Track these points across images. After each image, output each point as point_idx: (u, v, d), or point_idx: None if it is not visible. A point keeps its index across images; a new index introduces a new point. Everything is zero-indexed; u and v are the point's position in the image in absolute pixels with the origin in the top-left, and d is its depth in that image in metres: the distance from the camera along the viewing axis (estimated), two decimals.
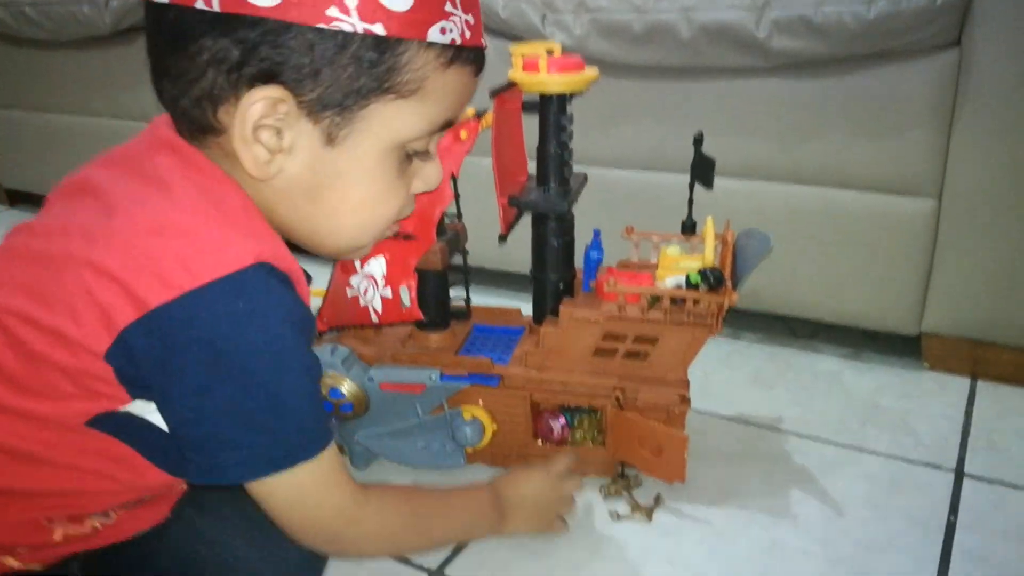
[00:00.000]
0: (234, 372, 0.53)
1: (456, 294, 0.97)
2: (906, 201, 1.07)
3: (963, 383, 1.11)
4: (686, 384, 0.86)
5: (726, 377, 1.14)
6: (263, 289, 0.53)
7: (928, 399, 1.08)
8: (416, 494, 0.74)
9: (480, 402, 0.91)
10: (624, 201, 1.20)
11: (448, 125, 0.60)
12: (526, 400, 0.90)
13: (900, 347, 1.17)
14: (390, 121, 0.55)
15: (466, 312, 0.99)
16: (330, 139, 0.55)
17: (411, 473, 0.94)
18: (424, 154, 0.60)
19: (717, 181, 0.91)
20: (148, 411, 0.57)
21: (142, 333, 0.52)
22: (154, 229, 0.53)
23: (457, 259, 0.93)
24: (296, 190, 0.57)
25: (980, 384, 1.11)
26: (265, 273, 0.54)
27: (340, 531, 0.63)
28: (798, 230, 1.12)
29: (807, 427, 1.02)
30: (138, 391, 0.55)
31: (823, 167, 1.10)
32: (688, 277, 0.79)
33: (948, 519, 0.86)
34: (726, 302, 0.78)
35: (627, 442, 0.87)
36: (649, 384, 0.86)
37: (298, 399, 0.56)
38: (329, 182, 0.57)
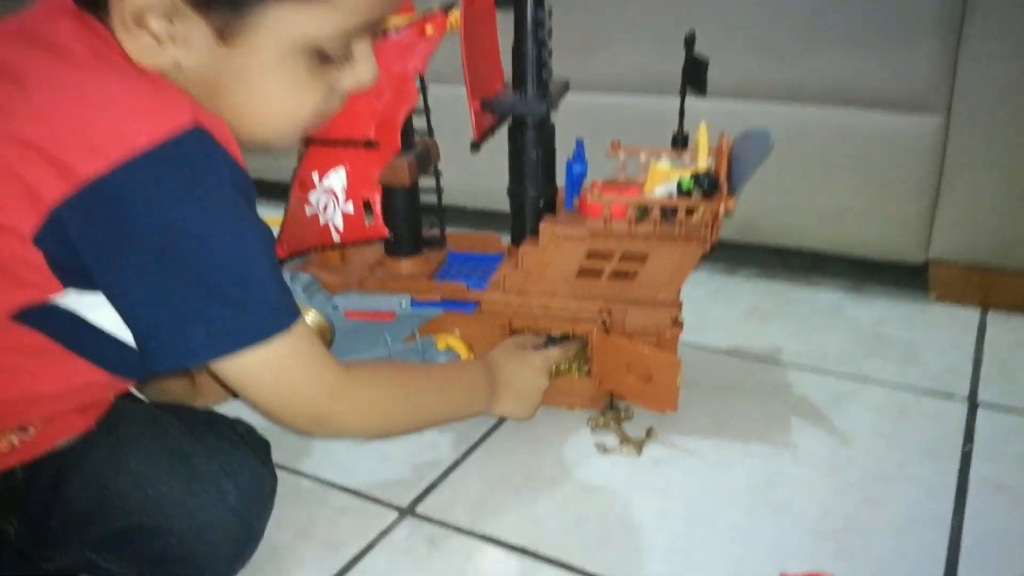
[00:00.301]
0: (192, 243, 0.49)
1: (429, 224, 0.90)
2: (912, 118, 1.00)
3: (972, 314, 1.05)
4: (678, 306, 0.79)
5: (720, 311, 1.08)
6: (206, 153, 0.50)
7: (936, 330, 1.01)
8: (406, 368, 0.74)
9: (456, 331, 0.84)
10: (609, 128, 1.12)
11: (371, 28, 0.55)
12: (505, 327, 0.83)
13: (904, 279, 1.11)
14: (291, 23, 0.51)
15: (440, 239, 0.92)
16: (222, 36, 0.51)
17: None
18: (346, 56, 0.55)
19: (709, 101, 0.83)
20: (82, 304, 0.52)
21: (77, 210, 0.47)
22: (76, 96, 0.48)
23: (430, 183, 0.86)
24: (197, 87, 0.52)
25: (991, 315, 1.04)
26: (205, 136, 0.49)
27: (327, 409, 0.60)
28: (797, 153, 1.05)
29: (807, 359, 0.95)
30: (71, 278, 0.50)
31: (823, 83, 1.02)
32: (680, 183, 0.72)
33: (963, 448, 0.79)
34: (722, 208, 0.71)
35: (614, 370, 0.81)
36: (638, 306, 0.79)
37: (261, 267, 0.53)
38: (229, 81, 0.53)
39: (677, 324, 0.80)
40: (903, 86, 0.99)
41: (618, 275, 0.80)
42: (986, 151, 0.97)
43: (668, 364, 0.76)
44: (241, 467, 0.63)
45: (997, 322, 1.02)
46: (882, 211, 1.04)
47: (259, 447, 0.68)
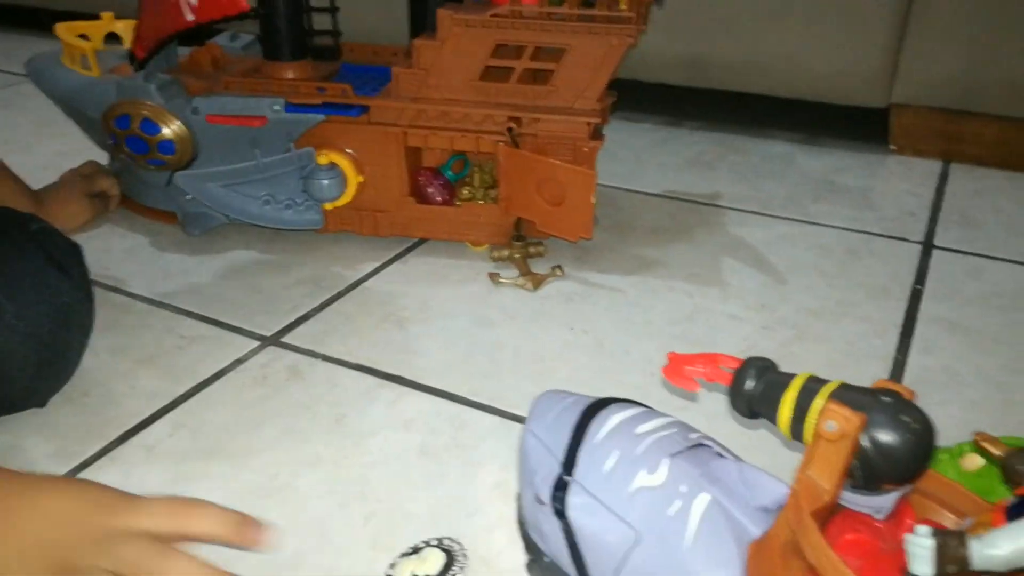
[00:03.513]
0: None
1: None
2: None
3: (934, 165, 0.95)
4: (599, 113, 0.68)
5: (662, 158, 0.96)
6: None
7: (894, 178, 0.92)
8: None
9: (348, 150, 0.72)
10: None
11: None
12: (399, 142, 0.71)
13: (863, 130, 1.00)
14: None
15: (333, 48, 0.78)
16: None
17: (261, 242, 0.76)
18: None
19: None
20: None
21: None
22: None
23: None
24: None
25: (953, 166, 0.94)
26: None
27: None
28: None
29: (751, 204, 0.85)
30: None
31: None
32: None
33: (913, 287, 0.70)
34: None
35: (522, 191, 0.69)
36: (552, 113, 0.68)
37: None
38: None
39: (597, 136, 0.69)
40: None
41: (530, 77, 0.68)
42: None
43: (580, 177, 0.65)
44: (21, 275, 0.51)
45: (959, 173, 0.93)
46: (844, 48, 0.92)
47: (60, 250, 0.54)
